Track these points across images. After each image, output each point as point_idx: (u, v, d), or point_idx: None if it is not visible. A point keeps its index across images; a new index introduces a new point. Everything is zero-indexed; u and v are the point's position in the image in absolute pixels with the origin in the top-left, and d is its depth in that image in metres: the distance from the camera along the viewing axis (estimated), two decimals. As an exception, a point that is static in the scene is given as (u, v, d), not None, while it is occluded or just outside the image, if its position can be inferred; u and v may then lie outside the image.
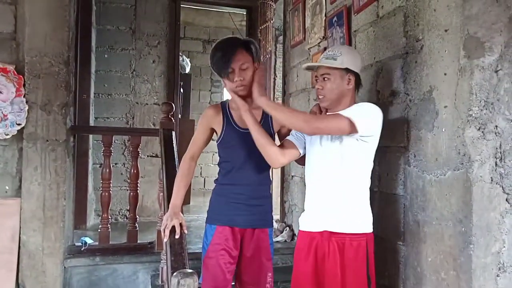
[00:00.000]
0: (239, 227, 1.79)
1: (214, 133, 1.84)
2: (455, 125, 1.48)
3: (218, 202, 1.83)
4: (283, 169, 3.47)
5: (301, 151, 1.72)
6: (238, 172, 1.78)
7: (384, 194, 1.92)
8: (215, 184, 1.89)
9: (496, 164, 1.42)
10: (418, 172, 1.68)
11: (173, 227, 1.71)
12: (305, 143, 1.72)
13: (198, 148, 1.84)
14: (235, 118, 1.78)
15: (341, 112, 1.56)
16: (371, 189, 2.01)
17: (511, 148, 1.43)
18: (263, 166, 1.78)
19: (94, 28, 4.01)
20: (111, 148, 2.86)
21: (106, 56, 4.20)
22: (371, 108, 1.60)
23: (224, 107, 1.83)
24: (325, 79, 1.62)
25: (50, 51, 2.57)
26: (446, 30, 1.54)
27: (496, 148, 1.42)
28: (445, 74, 1.54)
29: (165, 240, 1.74)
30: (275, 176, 4.41)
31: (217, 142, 1.82)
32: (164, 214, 2.16)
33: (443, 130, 1.54)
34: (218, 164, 1.88)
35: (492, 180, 1.41)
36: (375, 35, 2.04)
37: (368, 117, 1.56)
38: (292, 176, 3.24)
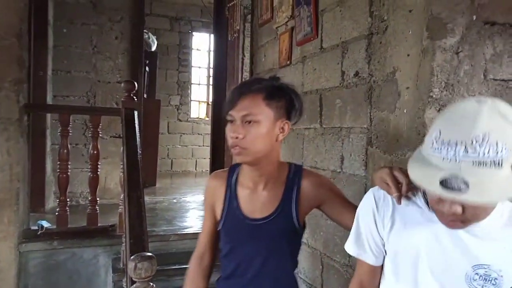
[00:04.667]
0: None
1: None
2: (416, 107, 1.48)
3: None
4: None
5: (379, 264, 1.02)
6: (245, 278, 1.22)
7: (346, 175, 1.94)
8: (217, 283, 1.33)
9: (454, 146, 1.44)
10: (380, 153, 1.69)
11: None
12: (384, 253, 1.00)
13: (208, 239, 1.31)
14: (242, 200, 1.22)
15: None
16: (334, 170, 2.03)
17: (468, 129, 1.45)
18: (284, 273, 1.23)
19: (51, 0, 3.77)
20: (69, 128, 2.73)
21: (65, 30, 3.98)
22: None
23: (230, 177, 1.26)
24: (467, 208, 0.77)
25: (0, 23, 2.39)
26: (410, 11, 1.53)
27: (455, 129, 1.44)
28: (408, 55, 1.54)
29: None
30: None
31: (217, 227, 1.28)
32: (125, 196, 2.10)
33: (405, 111, 1.54)
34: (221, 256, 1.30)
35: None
36: (342, 15, 2.01)
37: None
38: (259, 158, 3.22)
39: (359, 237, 1.02)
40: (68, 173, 2.73)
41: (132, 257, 1.42)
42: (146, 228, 1.90)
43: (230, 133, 1.13)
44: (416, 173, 0.78)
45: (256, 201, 1.20)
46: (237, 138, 1.12)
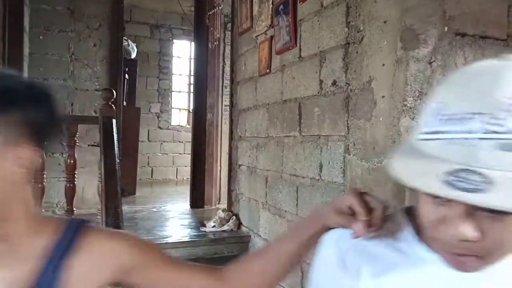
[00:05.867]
0: None
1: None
2: (391, 115, 1.52)
3: None
4: (230, 157, 3.44)
5: None
6: None
7: (325, 182, 1.96)
8: None
9: (428, 153, 1.47)
10: (357, 160, 1.72)
11: None
12: None
13: None
14: None
15: None
16: (313, 177, 2.05)
17: (442, 137, 1.49)
18: None
19: (27, 6, 3.70)
20: (45, 137, 2.67)
21: (41, 37, 3.90)
22: None
23: None
24: (488, 220, 0.44)
25: (-28, 29, 2.34)
26: (385, 22, 1.57)
27: (429, 137, 1.47)
28: (383, 64, 1.57)
29: None
30: (223, 165, 4.38)
31: None
32: (102, 206, 2.07)
33: (381, 119, 1.58)
34: None
35: (424, 168, 1.46)
36: (319, 25, 2.04)
37: None
38: (240, 165, 3.22)
39: None
40: (44, 183, 2.66)
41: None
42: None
43: None
44: (403, 167, 0.46)
45: None
46: None
